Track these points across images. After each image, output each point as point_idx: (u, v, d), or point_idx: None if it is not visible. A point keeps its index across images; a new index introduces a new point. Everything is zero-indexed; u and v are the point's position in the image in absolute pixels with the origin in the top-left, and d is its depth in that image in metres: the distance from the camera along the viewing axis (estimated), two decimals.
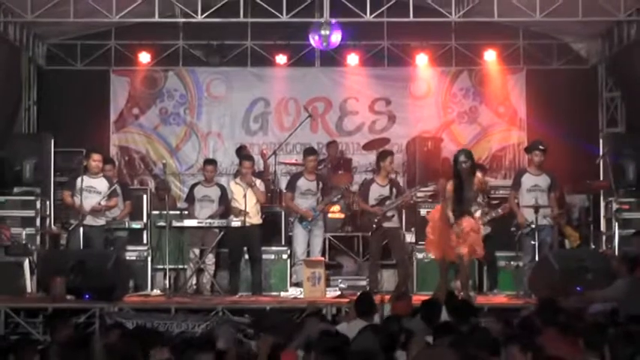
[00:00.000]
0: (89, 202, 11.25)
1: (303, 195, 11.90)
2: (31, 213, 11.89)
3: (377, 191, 11.56)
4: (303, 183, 11.94)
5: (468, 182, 10.44)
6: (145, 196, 12.70)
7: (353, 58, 14.74)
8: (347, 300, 9.73)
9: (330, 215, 12.87)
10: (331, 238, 12.68)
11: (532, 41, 14.67)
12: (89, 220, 11.25)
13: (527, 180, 11.41)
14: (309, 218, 11.77)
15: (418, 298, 8.93)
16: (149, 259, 12.33)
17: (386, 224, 11.37)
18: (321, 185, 12.00)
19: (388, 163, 11.56)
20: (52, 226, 12.50)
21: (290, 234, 12.44)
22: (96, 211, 11.27)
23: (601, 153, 12.84)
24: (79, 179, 11.33)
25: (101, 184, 11.44)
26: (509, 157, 14.89)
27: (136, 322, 9.42)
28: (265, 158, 13.82)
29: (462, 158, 10.43)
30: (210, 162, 12.51)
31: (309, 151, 12.30)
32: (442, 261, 10.62)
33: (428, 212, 11.64)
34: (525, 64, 14.85)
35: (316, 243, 11.94)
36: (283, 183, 13.71)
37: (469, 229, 10.35)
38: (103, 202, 11.33)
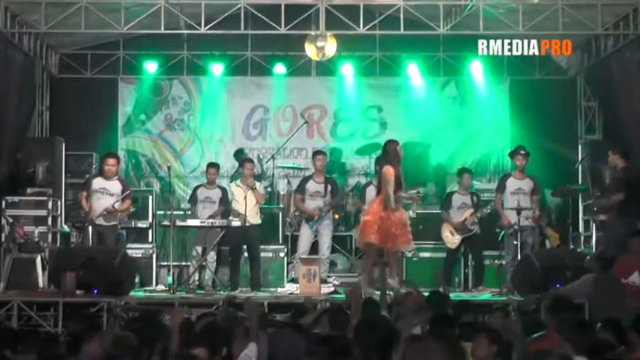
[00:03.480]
0: (102, 202, 11.24)
1: (312, 197, 11.95)
2: (43, 212, 11.82)
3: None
4: (311, 185, 11.98)
5: (400, 171, 10.44)
6: (150, 197, 12.69)
7: (347, 68, 14.62)
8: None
9: None
10: None
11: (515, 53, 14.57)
12: (101, 220, 11.23)
13: (512, 183, 11.45)
14: (314, 217, 11.76)
15: None
16: (154, 256, 12.34)
17: None
18: (329, 188, 11.98)
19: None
20: (63, 225, 12.45)
21: (287, 233, 12.51)
22: (109, 212, 11.24)
23: (580, 158, 12.83)
24: (94, 181, 11.32)
25: (115, 186, 11.41)
26: (494, 161, 14.77)
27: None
28: (261, 163, 13.77)
29: (398, 148, 10.49)
30: (212, 165, 12.45)
31: (317, 152, 12.40)
32: (379, 248, 10.45)
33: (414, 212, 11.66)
34: (509, 75, 14.71)
35: (324, 242, 11.98)
36: (281, 185, 13.72)
37: (404, 220, 10.30)
38: (116, 205, 11.31)
